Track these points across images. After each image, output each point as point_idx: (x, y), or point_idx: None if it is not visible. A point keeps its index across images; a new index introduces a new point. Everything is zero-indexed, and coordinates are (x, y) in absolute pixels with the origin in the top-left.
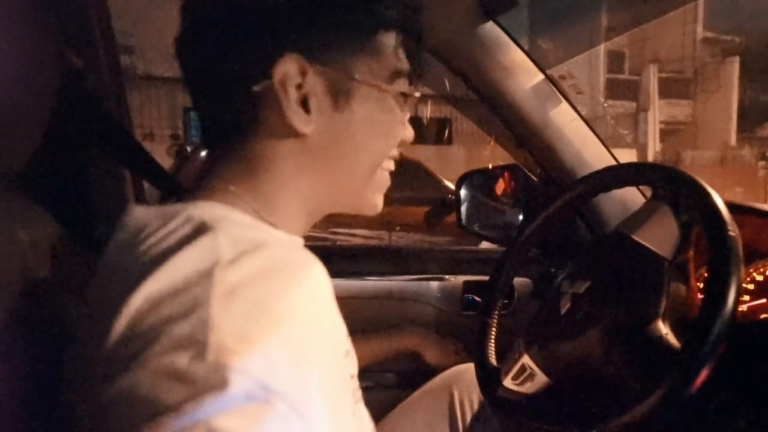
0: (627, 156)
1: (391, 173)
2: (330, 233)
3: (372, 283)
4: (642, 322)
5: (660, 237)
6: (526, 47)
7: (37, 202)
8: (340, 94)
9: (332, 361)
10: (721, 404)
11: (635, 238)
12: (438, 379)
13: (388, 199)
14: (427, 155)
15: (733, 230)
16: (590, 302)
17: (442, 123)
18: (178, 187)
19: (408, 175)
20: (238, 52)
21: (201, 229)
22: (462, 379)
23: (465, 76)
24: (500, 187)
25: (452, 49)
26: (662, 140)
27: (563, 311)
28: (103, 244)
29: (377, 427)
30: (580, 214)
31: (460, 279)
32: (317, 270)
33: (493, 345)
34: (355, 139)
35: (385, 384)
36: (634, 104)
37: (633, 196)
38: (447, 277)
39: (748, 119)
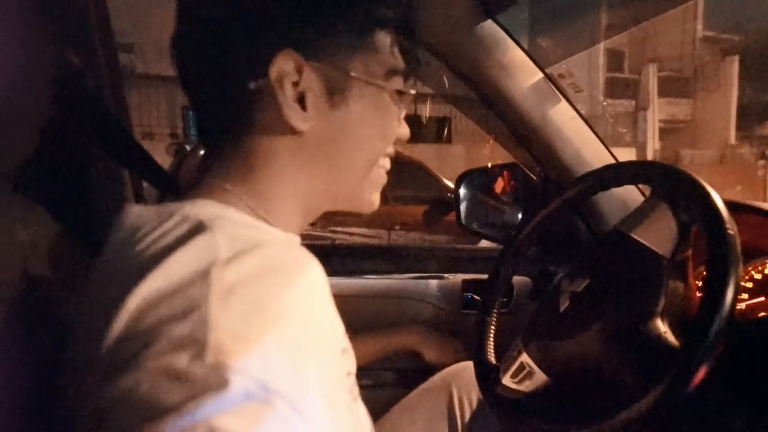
0: (626, 155)
1: (391, 172)
2: (329, 232)
3: (371, 282)
4: (641, 320)
5: (659, 235)
6: (525, 46)
7: (37, 201)
8: (336, 92)
9: (329, 359)
10: (719, 402)
11: (634, 236)
12: (437, 377)
13: (388, 197)
14: (426, 154)
15: (731, 229)
16: (589, 301)
17: (442, 122)
18: (176, 186)
19: (407, 174)
20: (234, 49)
21: (197, 228)
22: (461, 377)
23: (464, 75)
24: (499, 185)
25: (451, 48)
26: (662, 139)
27: (562, 310)
28: (102, 244)
29: (376, 425)
30: (579, 213)
31: (460, 277)
32: (314, 268)
33: (492, 343)
34: (352, 136)
35: (385, 382)
36: (634, 103)
37: (632, 195)
38: (446, 275)
39: (747, 118)
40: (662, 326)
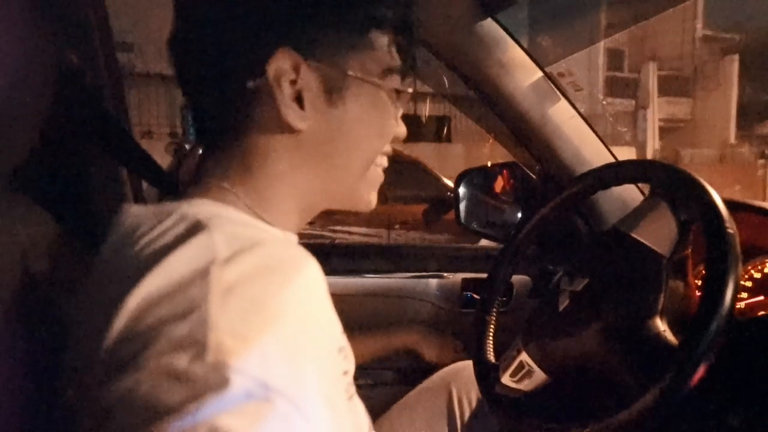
0: (626, 154)
1: (390, 171)
2: (329, 231)
3: (371, 281)
4: (640, 319)
5: (658, 234)
6: (525, 44)
7: (36, 201)
8: (334, 90)
9: (327, 358)
10: (718, 401)
11: (633, 235)
12: (436, 376)
13: (387, 197)
14: (426, 153)
15: (731, 228)
16: (588, 300)
17: (441, 121)
18: (175, 185)
19: (407, 173)
20: (232, 48)
21: (196, 228)
22: (460, 376)
23: (464, 74)
24: (499, 184)
25: (451, 47)
26: (661, 138)
27: (561, 309)
28: (101, 244)
29: (376, 424)
30: (578, 212)
31: (459, 276)
32: (312, 267)
33: (491, 342)
34: (349, 134)
35: (384, 381)
36: (633, 102)
37: (631, 194)
38: (446, 274)
39: (747, 117)
40: (661, 325)
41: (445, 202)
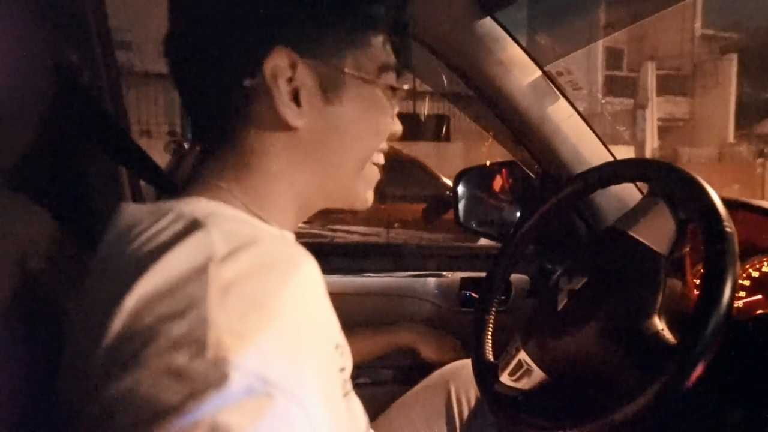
0: (625, 153)
1: (389, 170)
2: (328, 230)
3: (370, 280)
4: (638, 318)
5: (656, 233)
6: (523, 43)
7: (35, 200)
8: (330, 88)
9: (324, 354)
10: (716, 400)
11: (632, 234)
12: (435, 375)
13: (386, 195)
14: (425, 152)
15: (729, 226)
16: (587, 298)
17: (440, 120)
18: (174, 184)
19: (406, 172)
20: (229, 47)
21: (193, 226)
22: (459, 375)
23: (462, 73)
24: (498, 183)
25: (450, 46)
26: (660, 137)
27: (560, 307)
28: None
29: (375, 423)
30: (577, 211)
31: (458, 276)
32: (309, 264)
33: (490, 341)
34: (346, 132)
35: (383, 380)
36: (632, 101)
37: (630, 193)
38: (444, 273)
39: (746, 116)
40: (660, 324)
41: (444, 201)
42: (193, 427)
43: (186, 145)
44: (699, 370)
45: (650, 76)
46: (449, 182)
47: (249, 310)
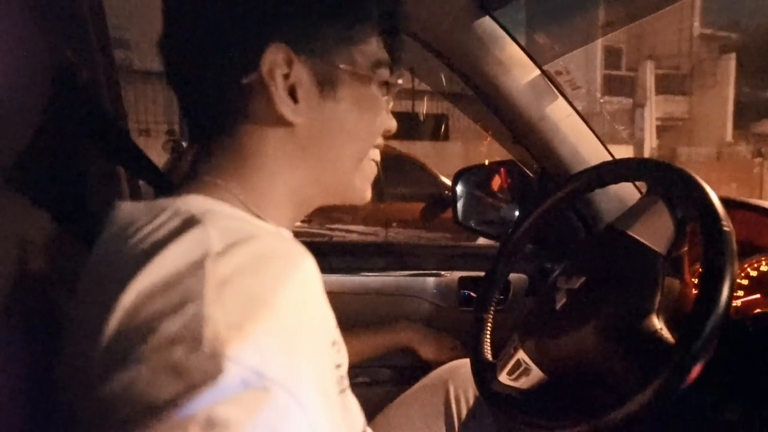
0: (623, 152)
1: (388, 169)
2: (326, 229)
3: (368, 279)
4: (637, 317)
5: (655, 232)
6: (522, 43)
7: (33, 199)
8: (325, 84)
9: (320, 350)
10: (715, 398)
11: (630, 233)
12: (434, 374)
13: (385, 195)
14: (423, 151)
15: (727, 225)
16: (585, 298)
17: (439, 119)
18: (172, 183)
19: (405, 171)
20: (225, 45)
21: (189, 222)
22: (458, 374)
23: (461, 72)
24: (496, 183)
25: (448, 45)
26: (659, 136)
27: (558, 307)
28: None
29: (373, 422)
30: (575, 210)
31: (456, 275)
32: (306, 260)
33: (488, 340)
34: (342, 127)
35: (381, 379)
36: (631, 100)
37: (628, 192)
38: (443, 272)
39: (744, 116)
40: (658, 323)
41: (443, 200)
42: (189, 421)
43: (184, 144)
44: (697, 369)
45: (649, 75)
46: (448, 181)
47: (246, 304)
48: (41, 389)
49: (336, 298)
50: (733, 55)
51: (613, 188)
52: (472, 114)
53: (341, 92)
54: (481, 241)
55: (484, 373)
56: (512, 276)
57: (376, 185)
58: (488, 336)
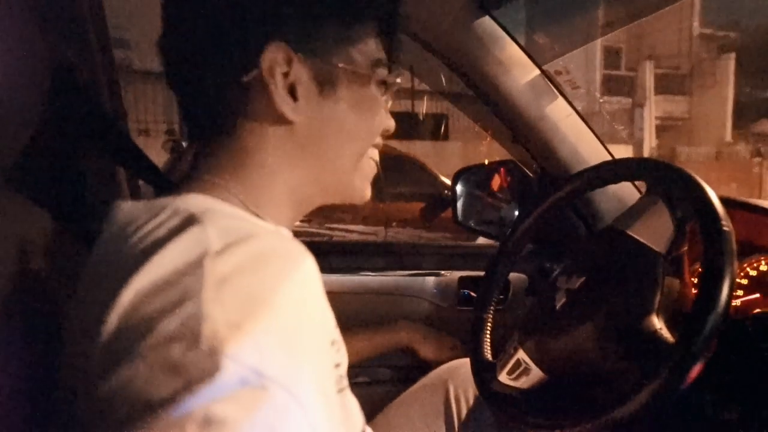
0: (623, 152)
1: (388, 169)
2: (326, 229)
3: (368, 279)
4: (636, 316)
5: (655, 232)
6: (522, 42)
7: (33, 199)
8: (324, 83)
9: (320, 349)
10: (714, 398)
11: (630, 233)
12: (433, 374)
13: (384, 194)
14: (423, 151)
15: (727, 225)
16: (585, 297)
17: (439, 119)
18: (171, 183)
19: (404, 171)
20: (225, 43)
21: (189, 221)
22: (457, 374)
23: (461, 72)
24: (496, 182)
25: (448, 44)
26: (658, 136)
27: (558, 306)
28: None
29: (373, 422)
30: (575, 210)
31: (456, 274)
32: (306, 258)
33: (488, 340)
34: (341, 126)
35: (381, 379)
36: (630, 100)
37: (628, 192)
38: (443, 272)
39: (743, 115)
40: (658, 323)
41: (443, 200)
42: (186, 418)
43: (184, 144)
44: (697, 368)
45: (648, 75)
46: (447, 181)
47: (244, 303)
48: (41, 389)
49: (336, 297)
50: (733, 55)
51: (613, 188)
52: (472, 114)
53: (340, 91)
54: (481, 240)
55: (483, 373)
56: (512, 276)
57: (376, 185)
58: (488, 336)
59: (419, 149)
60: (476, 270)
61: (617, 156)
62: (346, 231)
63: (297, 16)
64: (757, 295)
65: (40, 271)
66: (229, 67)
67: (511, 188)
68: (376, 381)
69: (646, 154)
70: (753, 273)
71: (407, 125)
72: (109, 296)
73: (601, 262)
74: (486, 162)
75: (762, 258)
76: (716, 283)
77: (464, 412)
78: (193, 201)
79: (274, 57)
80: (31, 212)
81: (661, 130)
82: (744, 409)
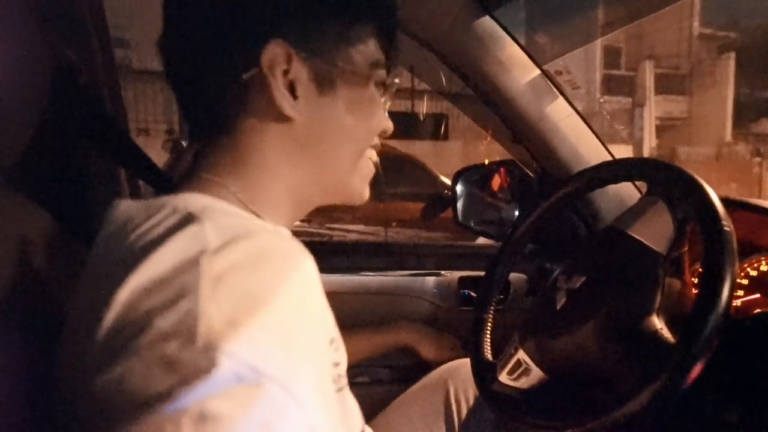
0: (623, 152)
1: (388, 169)
2: (326, 229)
3: (368, 279)
4: (637, 317)
5: (655, 232)
6: (522, 42)
7: (33, 198)
8: (324, 82)
9: (318, 347)
10: (715, 398)
11: (630, 233)
12: (434, 374)
13: (385, 194)
14: (423, 151)
15: (727, 225)
16: (586, 297)
17: (439, 118)
18: (171, 183)
19: (404, 171)
20: (226, 40)
21: (187, 219)
22: (458, 374)
23: (461, 71)
24: (496, 182)
25: (448, 44)
26: (658, 136)
27: (559, 306)
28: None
29: (373, 422)
30: (575, 210)
31: (456, 274)
32: (304, 257)
33: (488, 340)
34: (340, 126)
35: (381, 379)
36: (630, 100)
37: (628, 192)
38: (443, 272)
39: (743, 115)
40: (658, 323)
41: (443, 200)
42: (181, 414)
43: (184, 143)
44: (697, 369)
45: (648, 75)
46: (448, 181)
47: (241, 300)
48: (41, 389)
49: (336, 297)
50: (733, 55)
51: (613, 188)
52: (472, 114)
53: (339, 91)
54: (481, 240)
55: (484, 373)
56: (512, 276)
57: (376, 185)
58: (488, 336)
59: (419, 149)
60: (476, 270)
61: (617, 156)
62: (346, 231)
63: (297, 15)
64: (758, 295)
65: (40, 271)
66: (230, 65)
67: (511, 188)
68: (376, 381)
69: (646, 154)
70: (753, 273)
71: (407, 125)
72: (108, 293)
73: (601, 263)
74: (486, 162)
75: (762, 258)
76: (717, 283)
77: (464, 412)
78: (191, 199)
79: (274, 54)
80: (31, 212)
81: (661, 130)
82: (744, 410)
